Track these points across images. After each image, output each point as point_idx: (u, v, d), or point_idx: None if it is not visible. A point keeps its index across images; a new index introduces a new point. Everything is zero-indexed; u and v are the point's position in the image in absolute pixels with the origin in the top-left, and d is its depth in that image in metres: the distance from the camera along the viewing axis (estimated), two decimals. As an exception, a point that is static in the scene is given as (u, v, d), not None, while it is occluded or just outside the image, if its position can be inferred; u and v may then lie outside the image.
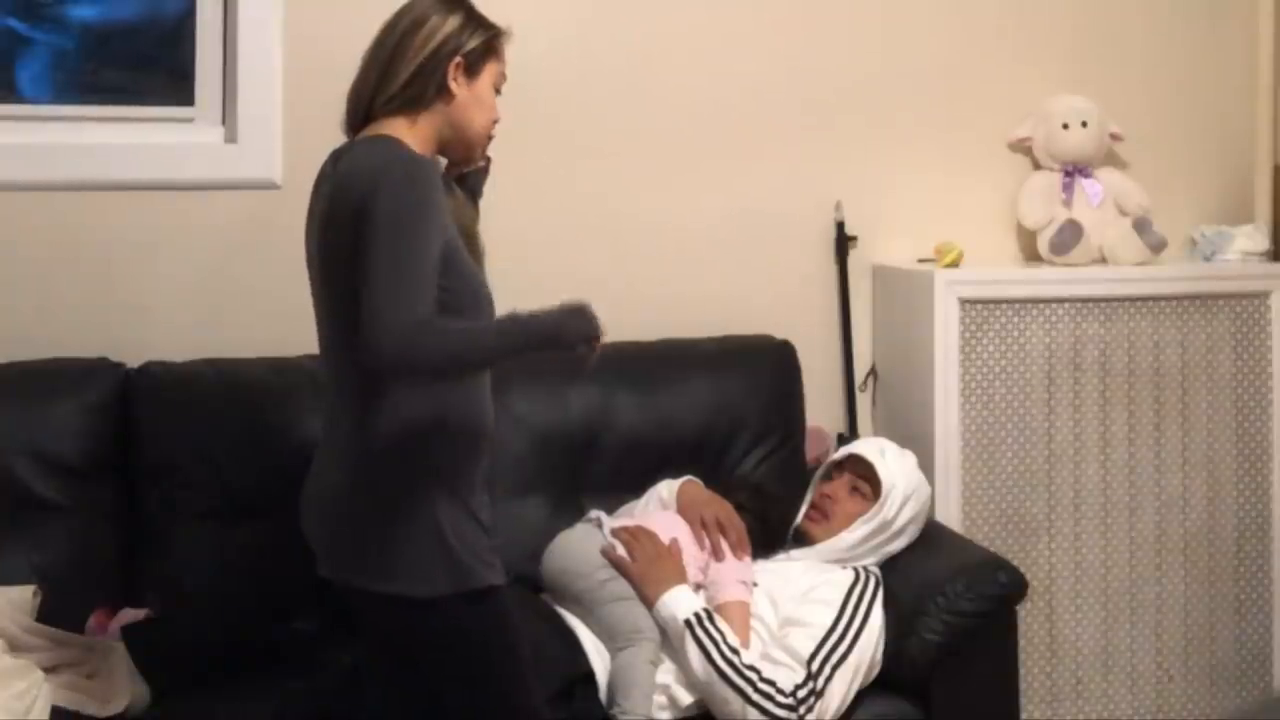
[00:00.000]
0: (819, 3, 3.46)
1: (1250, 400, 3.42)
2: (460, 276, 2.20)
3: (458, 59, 2.27)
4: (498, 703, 2.24)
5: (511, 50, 2.38)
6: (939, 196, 3.53)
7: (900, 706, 2.75)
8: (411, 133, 2.26)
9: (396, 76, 2.25)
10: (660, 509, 2.94)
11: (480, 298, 2.26)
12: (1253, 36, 3.70)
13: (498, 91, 2.35)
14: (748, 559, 2.85)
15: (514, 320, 2.17)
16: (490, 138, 2.37)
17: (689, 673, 2.64)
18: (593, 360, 2.23)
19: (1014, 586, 2.86)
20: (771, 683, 2.60)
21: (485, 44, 2.30)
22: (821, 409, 3.41)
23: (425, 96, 2.26)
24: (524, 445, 3.01)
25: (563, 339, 2.19)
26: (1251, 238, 3.53)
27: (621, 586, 2.72)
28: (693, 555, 2.81)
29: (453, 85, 2.27)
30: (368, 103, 2.28)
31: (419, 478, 2.19)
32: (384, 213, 2.10)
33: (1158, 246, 3.41)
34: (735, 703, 2.59)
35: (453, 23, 2.27)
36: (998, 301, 3.28)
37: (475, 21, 2.31)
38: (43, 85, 3.20)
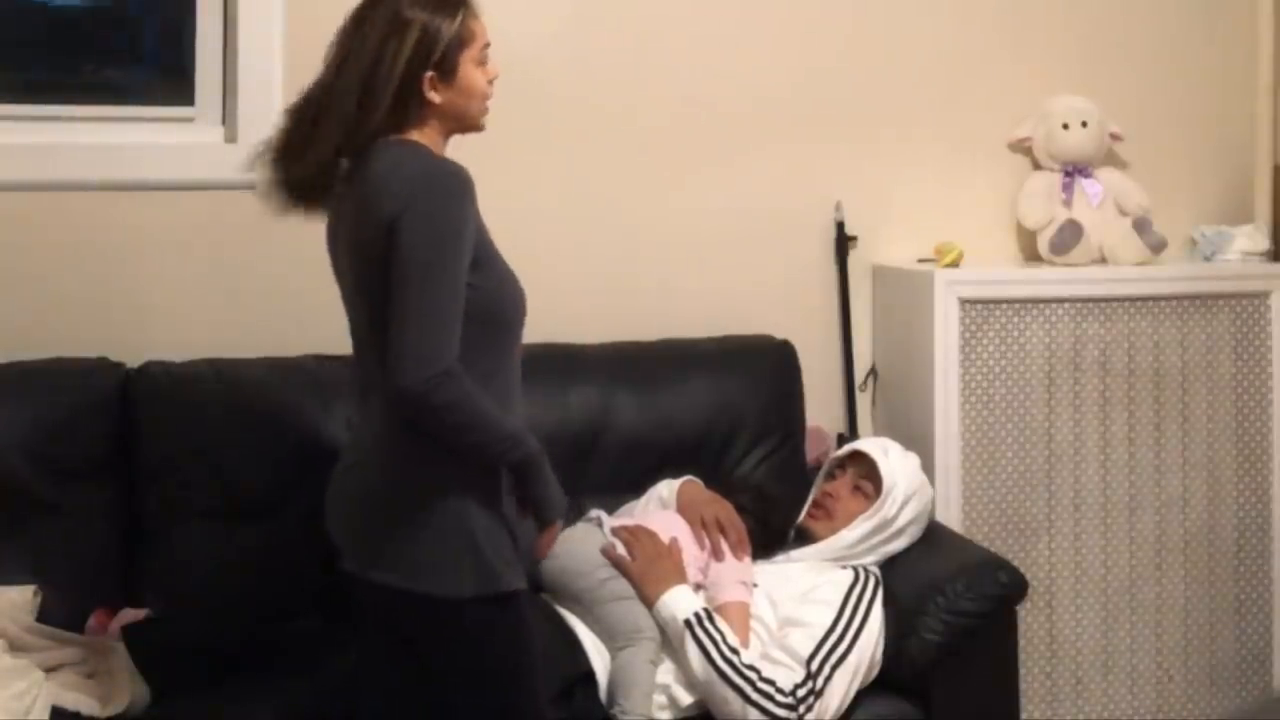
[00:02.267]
0: (819, 2, 3.46)
1: (1250, 400, 3.42)
2: (492, 270, 2.22)
3: (429, 74, 2.20)
4: (507, 703, 2.25)
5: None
6: (939, 196, 3.52)
7: (900, 706, 2.75)
8: (418, 137, 2.24)
9: (376, 110, 2.18)
10: (660, 509, 2.94)
11: (505, 290, 2.25)
12: (1253, 36, 3.70)
13: (484, 60, 2.26)
14: (748, 559, 2.84)
15: (523, 445, 2.21)
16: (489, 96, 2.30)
17: (689, 672, 2.64)
18: (546, 543, 2.35)
19: (1014, 586, 2.86)
20: (771, 682, 2.60)
21: (452, 41, 2.20)
22: (821, 409, 3.41)
23: (410, 115, 2.22)
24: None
25: (534, 497, 2.25)
26: (1251, 238, 3.53)
27: (621, 586, 2.72)
28: (693, 555, 2.81)
29: (432, 96, 2.22)
30: (355, 128, 2.20)
31: (452, 480, 2.19)
32: (416, 239, 2.09)
33: (1158, 246, 3.41)
34: (735, 702, 2.59)
35: (410, 40, 2.18)
36: (998, 301, 3.28)
37: (434, 27, 2.19)
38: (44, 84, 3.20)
